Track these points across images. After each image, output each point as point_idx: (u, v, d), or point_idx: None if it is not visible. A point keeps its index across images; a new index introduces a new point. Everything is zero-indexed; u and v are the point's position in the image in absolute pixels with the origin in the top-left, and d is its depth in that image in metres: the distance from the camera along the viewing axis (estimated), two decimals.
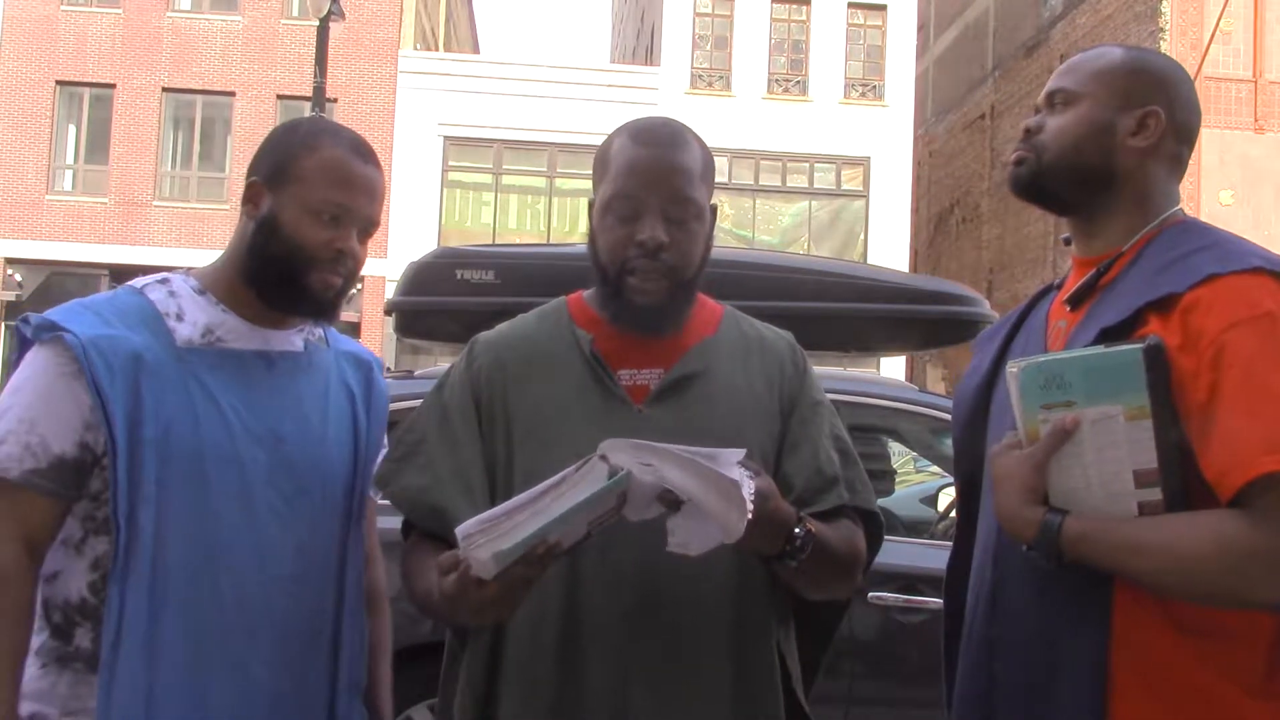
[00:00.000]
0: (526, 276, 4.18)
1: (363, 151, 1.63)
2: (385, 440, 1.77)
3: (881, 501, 5.01)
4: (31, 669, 1.48)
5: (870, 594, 3.46)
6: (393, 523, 1.69)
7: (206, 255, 1.47)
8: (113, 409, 1.46)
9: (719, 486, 1.28)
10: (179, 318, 1.57)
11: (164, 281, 1.62)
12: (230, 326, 1.60)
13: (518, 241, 19.76)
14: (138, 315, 1.55)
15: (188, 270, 1.67)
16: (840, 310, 4.33)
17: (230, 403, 1.55)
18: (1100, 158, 1.51)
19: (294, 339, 1.67)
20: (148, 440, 1.48)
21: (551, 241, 19.08)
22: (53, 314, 1.52)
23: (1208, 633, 1.33)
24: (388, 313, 4.60)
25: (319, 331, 1.73)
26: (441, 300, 4.26)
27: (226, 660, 1.51)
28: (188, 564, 1.49)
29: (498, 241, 19.27)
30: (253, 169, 1.63)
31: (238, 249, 1.62)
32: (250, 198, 1.61)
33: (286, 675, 1.57)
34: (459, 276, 4.28)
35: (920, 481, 6.51)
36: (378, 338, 19.85)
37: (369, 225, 1.63)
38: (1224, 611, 1.32)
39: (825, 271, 4.90)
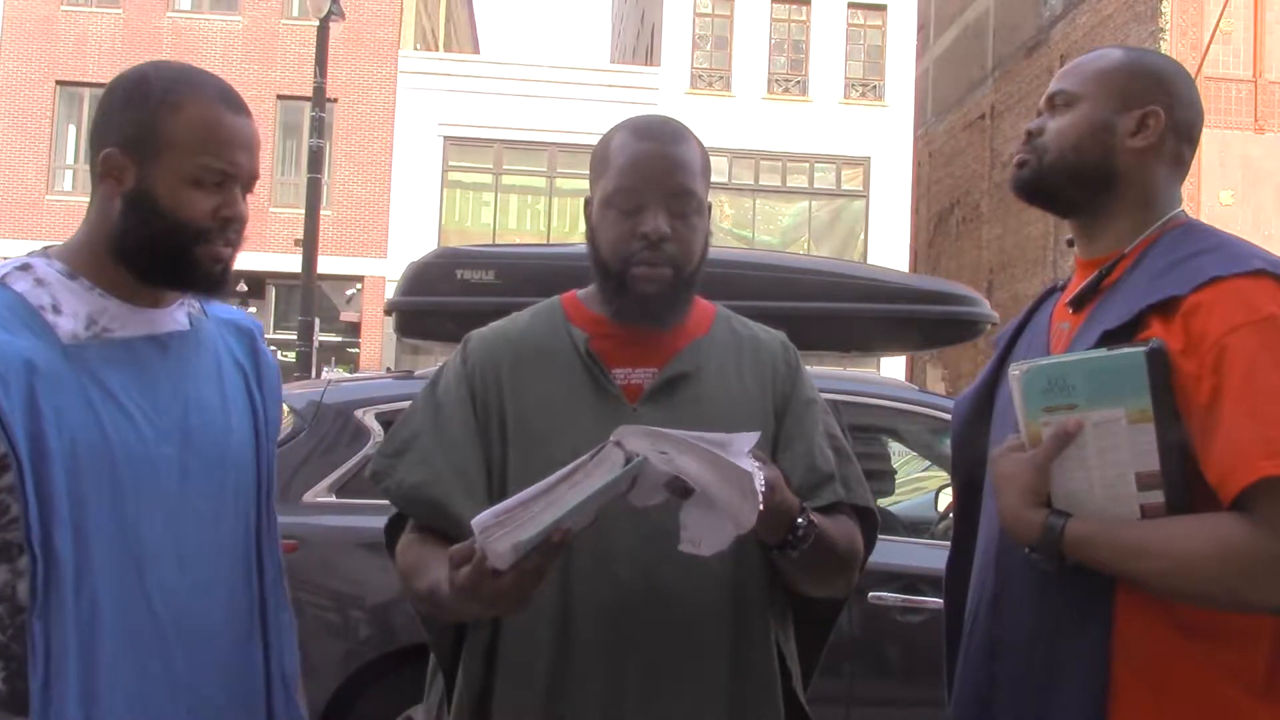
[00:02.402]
0: (526, 276, 4.19)
1: (231, 100, 1.46)
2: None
3: (896, 504, 4.97)
4: None
5: (871, 594, 3.46)
6: (376, 523, 1.69)
7: None
8: (12, 424, 1.26)
9: (733, 478, 1.29)
10: (56, 310, 1.38)
11: (25, 268, 1.41)
12: (114, 313, 1.42)
13: (517, 241, 19.78)
14: (11, 314, 1.34)
15: (45, 251, 1.46)
16: (840, 310, 4.34)
17: (134, 400, 1.40)
18: (1100, 158, 1.51)
19: (178, 316, 1.51)
20: (53, 455, 1.29)
21: (552, 241, 19.09)
22: None
23: (1209, 634, 1.33)
24: (388, 313, 4.60)
25: (194, 302, 1.57)
26: (441, 300, 4.26)
27: (169, 678, 1.38)
28: (115, 585, 1.34)
29: (498, 241, 19.28)
30: (103, 136, 1.42)
31: (102, 227, 1.43)
32: (109, 171, 1.41)
33: (226, 680, 1.47)
34: (459, 276, 4.28)
35: (939, 484, 6.49)
36: (378, 338, 19.85)
37: (251, 181, 1.47)
38: (1226, 613, 1.32)
39: (824, 271, 4.90)
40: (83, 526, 1.32)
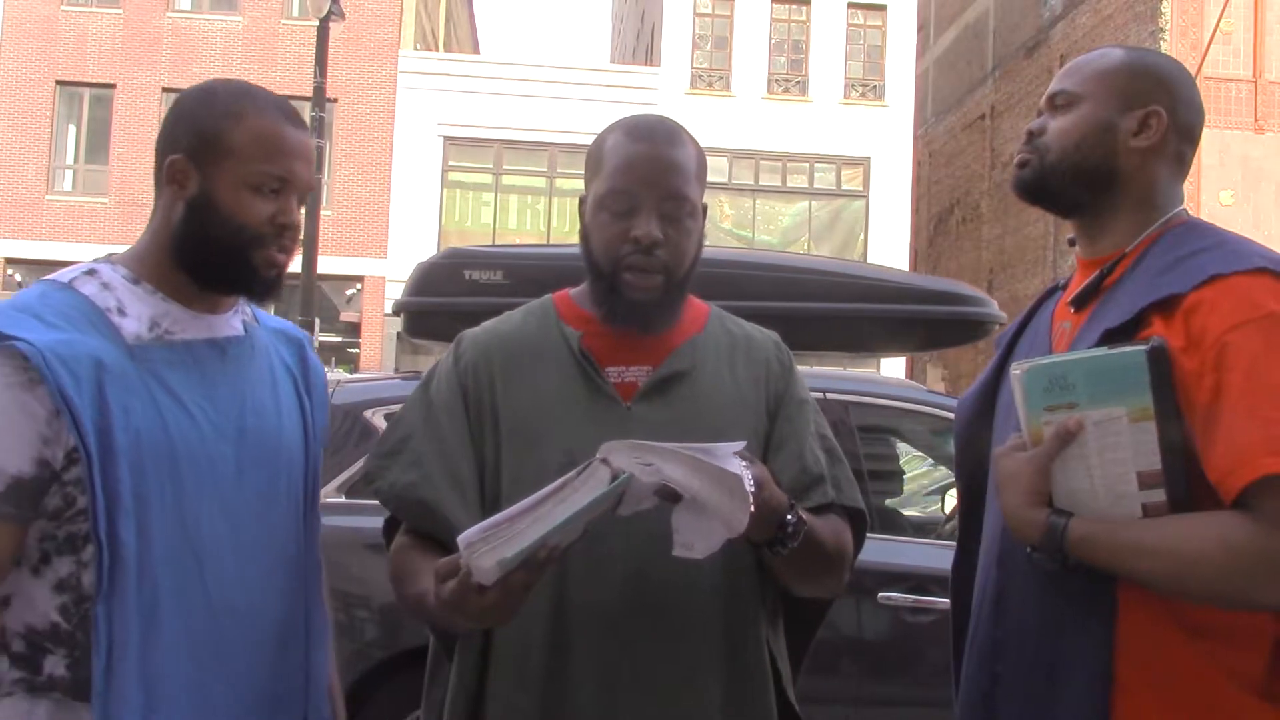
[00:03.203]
0: (535, 277, 4.19)
1: (290, 114, 1.55)
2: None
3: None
4: None
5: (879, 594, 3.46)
6: (376, 522, 1.69)
7: None
8: (82, 420, 1.33)
9: (721, 481, 1.29)
10: (121, 312, 1.45)
11: (91, 273, 1.48)
12: (175, 317, 1.50)
13: (517, 242, 19.76)
14: (80, 314, 1.42)
15: (109, 257, 1.54)
16: (846, 311, 4.34)
17: (194, 400, 1.47)
18: (1103, 158, 1.51)
19: (234, 322, 1.58)
20: (120, 450, 1.36)
21: (555, 242, 19.05)
22: None
23: (1211, 634, 1.33)
24: (395, 313, 4.60)
25: (248, 310, 1.64)
26: (450, 301, 4.27)
27: (223, 668, 1.45)
28: (175, 575, 1.40)
29: (498, 242, 19.27)
30: (169, 144, 1.50)
31: (164, 232, 1.50)
32: (173, 177, 1.49)
33: (277, 675, 1.53)
34: (467, 277, 4.29)
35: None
36: (378, 338, 19.84)
37: (307, 191, 1.55)
38: (1228, 612, 1.32)
39: (832, 272, 4.90)
40: (145, 519, 1.38)
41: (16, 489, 1.34)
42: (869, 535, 1.70)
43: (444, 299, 4.28)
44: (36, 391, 1.33)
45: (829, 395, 3.69)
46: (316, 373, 1.71)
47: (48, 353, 1.33)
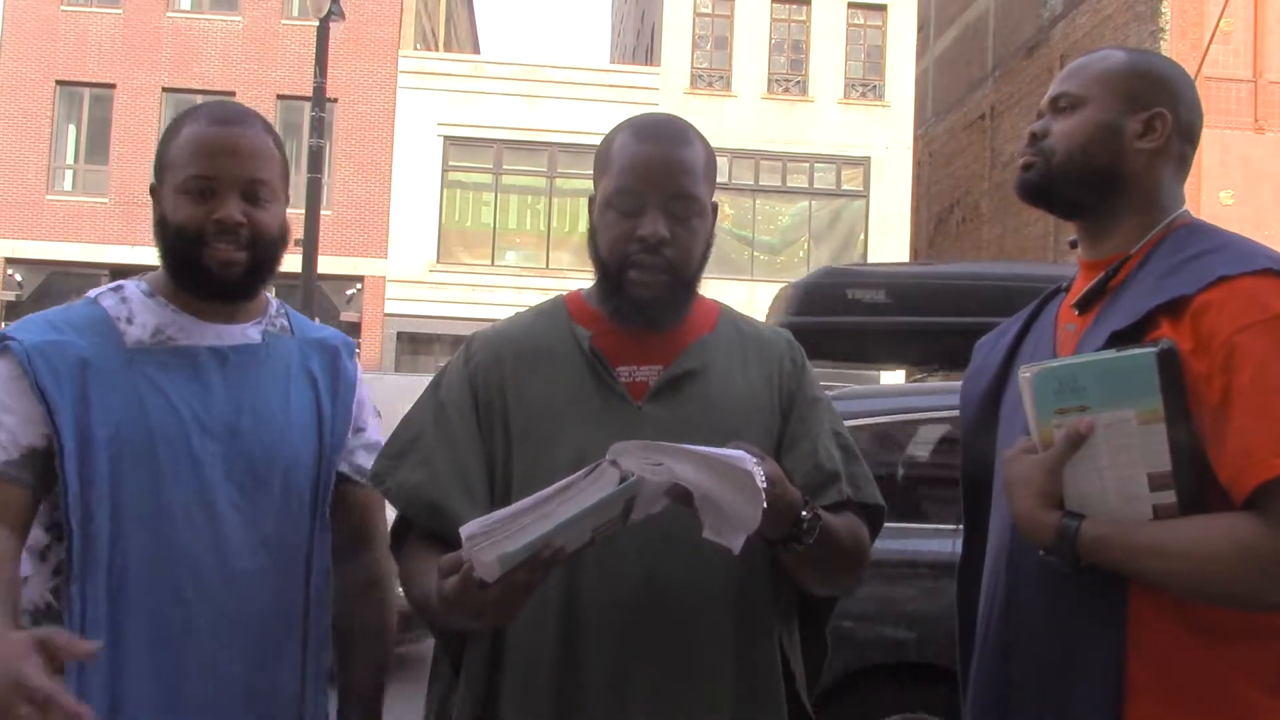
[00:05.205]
0: (916, 295, 4.19)
1: (226, 117, 1.61)
2: (363, 423, 1.77)
3: None
4: None
5: None
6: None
7: None
8: (59, 412, 1.48)
9: (733, 478, 1.29)
10: (129, 321, 1.59)
11: (117, 289, 1.64)
12: (181, 325, 1.60)
13: (517, 242, 19.78)
14: (88, 322, 1.57)
15: (141, 276, 1.67)
16: None
17: (183, 399, 1.56)
18: (1109, 160, 1.51)
19: (249, 331, 1.66)
20: (98, 440, 1.49)
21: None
22: (9, 327, 1.59)
23: (1223, 633, 1.33)
24: None
25: (282, 321, 1.72)
26: (832, 320, 4.30)
27: (194, 657, 1.52)
28: (146, 562, 1.50)
29: (498, 242, 19.30)
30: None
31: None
32: (153, 200, 1.63)
33: (257, 668, 1.57)
34: (849, 296, 4.32)
35: None
36: (378, 338, 19.86)
37: (252, 186, 1.58)
38: (1241, 612, 1.32)
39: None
40: (119, 506, 1.50)
41: (31, 458, 1.49)
42: None
43: (826, 319, 4.31)
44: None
45: None
46: (347, 378, 1.76)
47: (32, 351, 1.50)
